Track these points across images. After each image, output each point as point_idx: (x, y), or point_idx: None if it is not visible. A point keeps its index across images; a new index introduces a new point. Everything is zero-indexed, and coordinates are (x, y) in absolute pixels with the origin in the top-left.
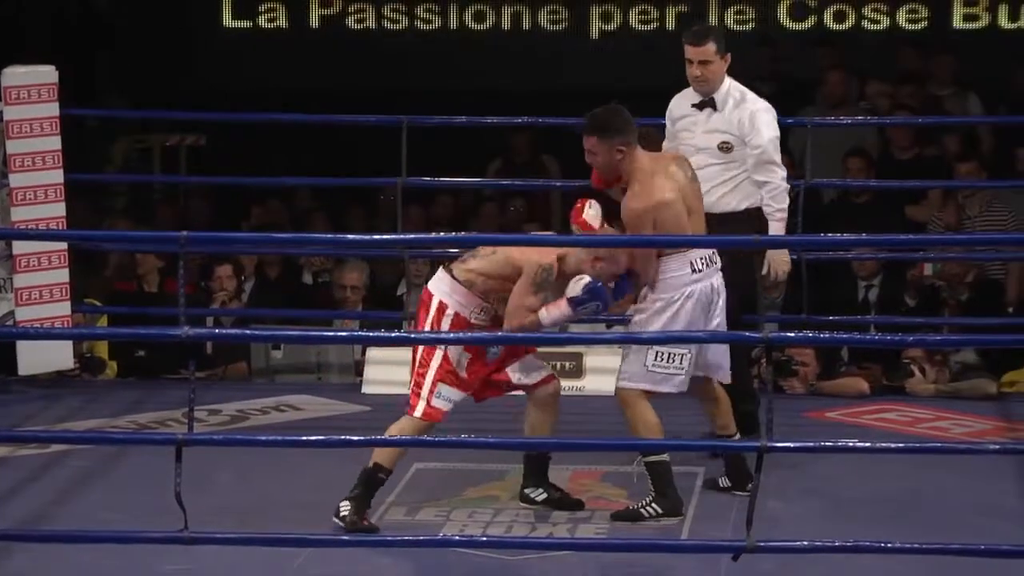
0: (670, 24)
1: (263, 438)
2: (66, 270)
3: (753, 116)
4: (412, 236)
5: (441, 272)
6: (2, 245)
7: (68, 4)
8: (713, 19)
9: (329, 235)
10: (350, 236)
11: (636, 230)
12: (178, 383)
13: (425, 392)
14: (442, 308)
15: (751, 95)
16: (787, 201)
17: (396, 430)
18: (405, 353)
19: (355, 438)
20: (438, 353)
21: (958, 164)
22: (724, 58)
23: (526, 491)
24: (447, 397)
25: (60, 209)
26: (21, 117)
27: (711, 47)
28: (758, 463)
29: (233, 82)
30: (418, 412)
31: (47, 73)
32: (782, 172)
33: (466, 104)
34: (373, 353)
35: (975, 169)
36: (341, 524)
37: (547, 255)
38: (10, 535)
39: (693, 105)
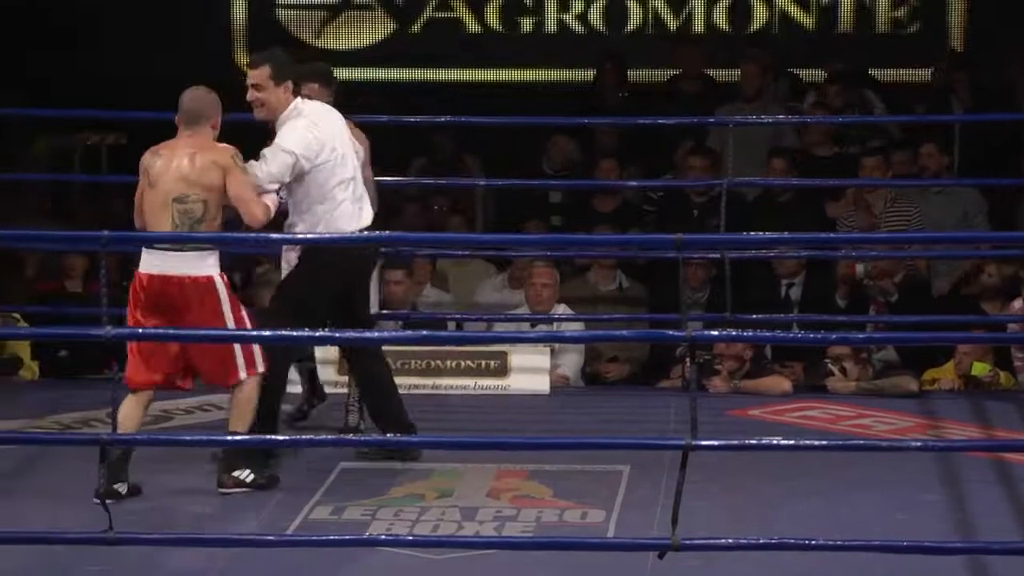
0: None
1: (187, 437)
2: None
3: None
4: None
5: (184, 255)
6: None
7: None
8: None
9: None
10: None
11: None
12: (101, 383)
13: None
14: (223, 281)
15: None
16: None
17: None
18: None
19: (280, 437)
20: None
21: (863, 160)
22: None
23: (234, 474)
24: None
25: None
26: None
27: (265, 71)
28: (683, 461)
29: None
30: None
31: None
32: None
33: None
34: None
35: (879, 164)
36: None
37: (223, 146)
38: None
39: None
